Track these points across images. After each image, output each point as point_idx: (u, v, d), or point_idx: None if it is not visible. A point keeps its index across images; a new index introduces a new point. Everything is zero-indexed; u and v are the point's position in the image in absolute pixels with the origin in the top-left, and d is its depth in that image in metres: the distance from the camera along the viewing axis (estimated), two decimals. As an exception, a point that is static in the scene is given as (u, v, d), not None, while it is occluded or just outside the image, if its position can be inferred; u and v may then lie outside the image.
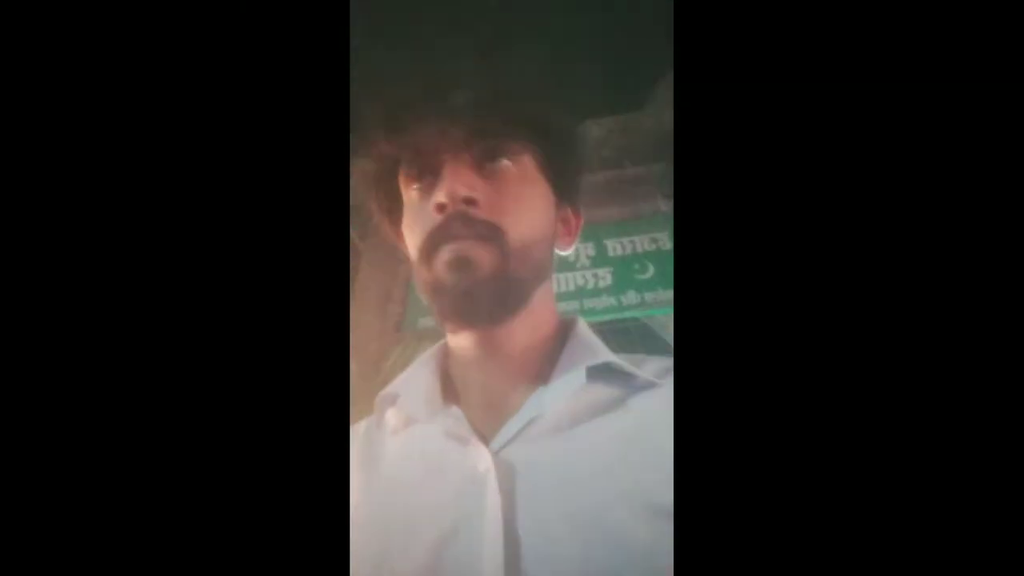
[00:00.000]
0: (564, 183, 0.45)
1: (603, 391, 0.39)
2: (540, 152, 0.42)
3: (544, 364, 0.40)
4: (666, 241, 1.59)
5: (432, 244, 0.38)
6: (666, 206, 1.60)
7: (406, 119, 0.40)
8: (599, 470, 0.33)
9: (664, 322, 1.55)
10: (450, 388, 0.42)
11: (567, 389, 0.38)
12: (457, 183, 0.37)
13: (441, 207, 0.37)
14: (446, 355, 0.44)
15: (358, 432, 0.44)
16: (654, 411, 0.36)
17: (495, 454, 0.35)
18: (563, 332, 0.43)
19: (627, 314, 1.51)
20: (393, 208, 0.44)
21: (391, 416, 0.43)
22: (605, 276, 1.59)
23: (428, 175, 0.40)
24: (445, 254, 0.37)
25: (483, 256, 0.36)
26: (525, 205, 0.40)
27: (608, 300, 1.54)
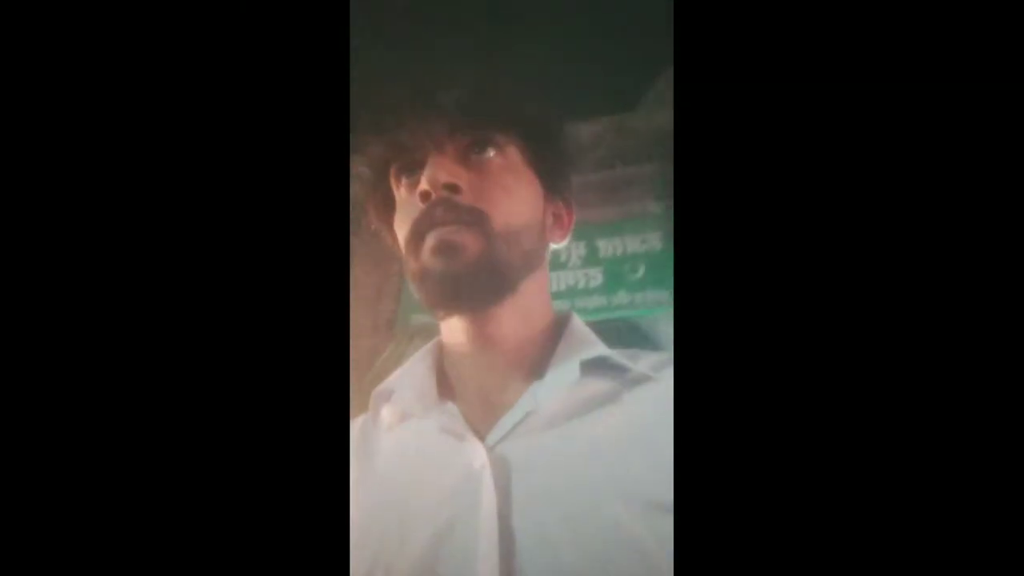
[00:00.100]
0: (552, 177, 0.45)
1: (598, 385, 0.39)
2: (525, 145, 0.43)
3: (539, 359, 0.40)
4: (657, 242, 1.60)
5: (417, 232, 0.38)
6: (657, 207, 1.61)
7: (394, 120, 0.41)
8: (594, 465, 0.34)
9: (654, 322, 1.56)
10: (445, 384, 0.42)
11: (561, 383, 0.39)
12: (439, 170, 0.38)
13: (425, 195, 0.38)
14: (441, 351, 0.45)
15: (353, 428, 0.45)
16: (649, 405, 0.37)
17: (490, 450, 0.35)
18: (558, 327, 0.44)
19: (618, 314, 1.52)
20: (387, 208, 0.45)
21: (386, 412, 0.44)
22: (596, 276, 1.60)
23: (415, 170, 0.40)
24: (430, 240, 0.38)
25: (468, 240, 0.37)
26: (510, 193, 0.40)
27: (599, 300, 1.55)
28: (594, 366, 0.40)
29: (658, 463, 0.31)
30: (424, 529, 0.33)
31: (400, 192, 0.42)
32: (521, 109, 0.43)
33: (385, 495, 0.37)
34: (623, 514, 0.31)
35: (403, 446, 0.41)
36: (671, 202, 1.62)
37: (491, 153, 0.41)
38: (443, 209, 0.38)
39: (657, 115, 1.49)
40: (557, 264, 1.61)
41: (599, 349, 0.41)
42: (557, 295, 1.56)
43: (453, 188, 0.38)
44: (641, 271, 1.57)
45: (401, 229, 0.41)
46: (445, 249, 0.37)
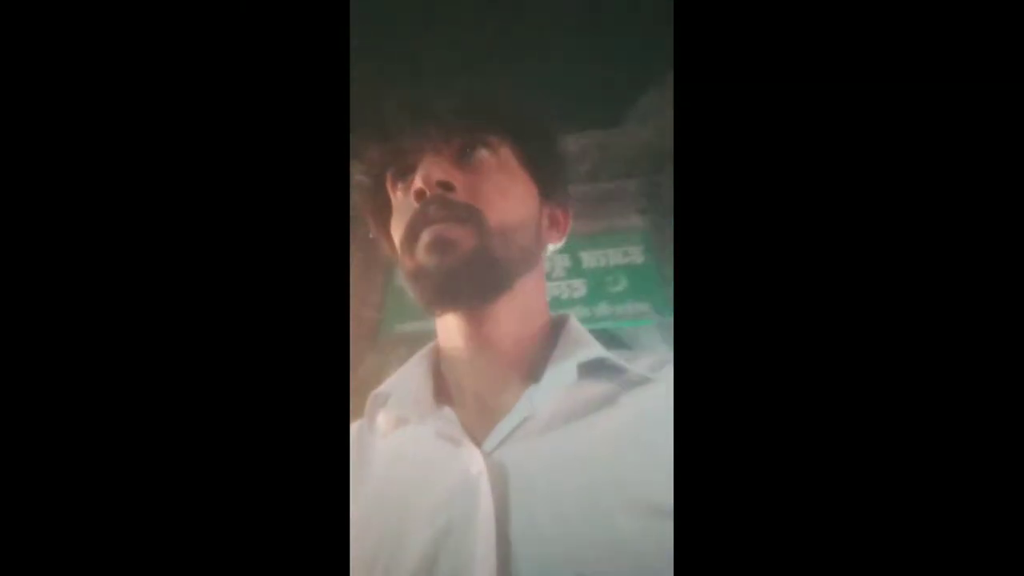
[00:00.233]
0: (547, 179, 0.45)
1: (596, 387, 0.38)
2: (519, 147, 0.43)
3: (536, 361, 0.40)
4: (639, 255, 1.63)
5: (412, 230, 0.39)
6: (640, 221, 1.64)
7: (390, 126, 0.41)
8: (592, 469, 0.33)
9: (635, 333, 1.59)
10: (442, 388, 0.42)
11: (558, 386, 0.38)
12: (433, 169, 0.38)
13: (420, 193, 0.38)
14: (437, 355, 0.44)
15: (351, 432, 0.44)
16: (648, 406, 0.36)
17: (487, 456, 0.35)
18: (555, 328, 0.43)
19: (599, 325, 1.54)
20: (385, 214, 0.45)
21: (383, 418, 0.43)
22: (579, 287, 1.62)
23: (411, 173, 0.40)
24: (424, 237, 0.38)
25: (462, 236, 0.37)
26: (504, 192, 0.40)
27: (582, 310, 1.57)
28: (592, 368, 0.39)
29: (657, 465, 0.31)
30: (421, 535, 0.33)
31: (396, 195, 0.43)
32: (515, 112, 0.43)
33: (382, 501, 0.37)
34: (622, 518, 0.30)
35: (400, 451, 0.40)
36: (654, 216, 1.65)
37: (485, 154, 0.41)
38: (437, 206, 0.38)
39: (642, 131, 1.53)
40: (541, 275, 1.62)
41: (597, 351, 0.40)
42: (541, 306, 1.57)
43: (447, 186, 0.38)
44: (623, 284, 1.60)
45: (397, 230, 0.41)
46: (439, 245, 0.37)
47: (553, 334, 0.43)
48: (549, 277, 1.65)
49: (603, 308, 1.57)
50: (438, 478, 0.35)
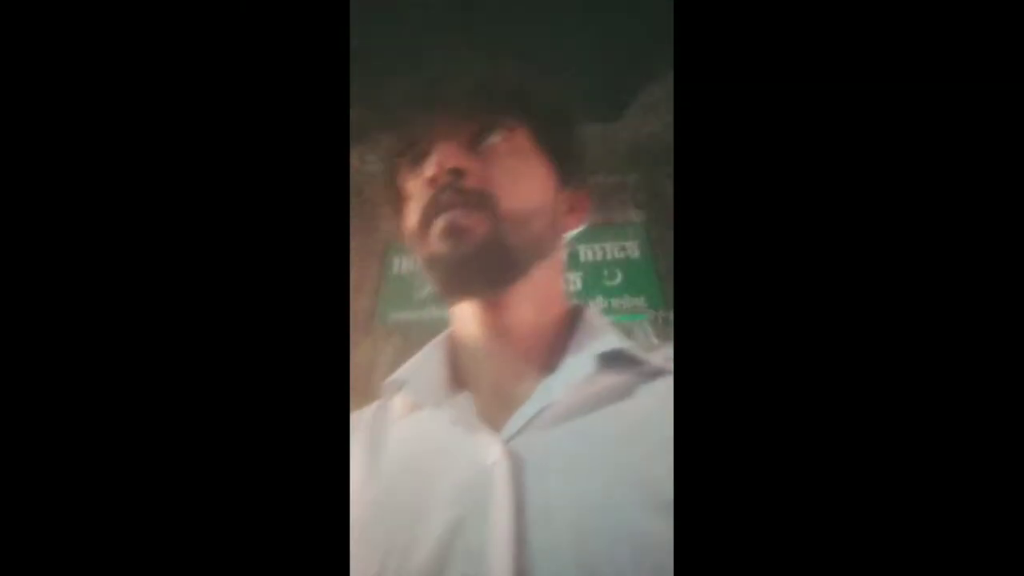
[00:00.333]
0: (565, 163, 0.44)
1: (613, 378, 0.38)
2: (534, 130, 0.42)
3: (553, 350, 0.40)
4: (635, 249, 1.64)
5: (426, 218, 0.39)
6: (637, 216, 1.64)
7: (402, 115, 0.41)
8: (608, 461, 0.33)
9: (629, 327, 1.60)
10: (458, 376, 0.42)
11: (577, 376, 0.38)
12: (445, 156, 0.38)
13: (432, 181, 0.38)
14: (453, 342, 0.44)
15: (364, 418, 0.44)
16: (666, 399, 0.35)
17: (504, 444, 0.35)
18: (573, 318, 0.43)
19: (594, 319, 1.54)
20: (401, 203, 0.45)
21: (398, 402, 0.43)
22: (575, 281, 1.62)
23: (424, 161, 0.40)
24: (438, 225, 0.38)
25: (475, 223, 0.37)
26: (517, 177, 0.40)
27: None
28: (610, 359, 0.38)
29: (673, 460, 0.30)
30: (436, 521, 0.33)
31: (410, 184, 0.42)
32: (530, 94, 0.43)
33: (396, 486, 0.37)
34: (637, 512, 0.30)
35: (415, 436, 0.40)
36: (652, 211, 1.65)
37: (498, 138, 0.40)
38: (449, 194, 0.38)
39: (642, 126, 1.52)
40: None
41: (616, 341, 0.39)
42: (536, 298, 1.58)
43: (458, 172, 0.38)
44: (618, 278, 1.60)
45: (411, 219, 0.41)
46: (451, 232, 0.37)
47: (571, 321, 0.42)
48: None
49: (599, 302, 1.57)
50: (454, 465, 0.35)
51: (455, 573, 0.30)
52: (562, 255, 0.45)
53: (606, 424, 0.35)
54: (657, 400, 0.36)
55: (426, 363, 0.43)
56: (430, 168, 0.38)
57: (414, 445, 0.39)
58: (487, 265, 0.37)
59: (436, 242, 0.38)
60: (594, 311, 0.44)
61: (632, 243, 1.64)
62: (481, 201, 0.38)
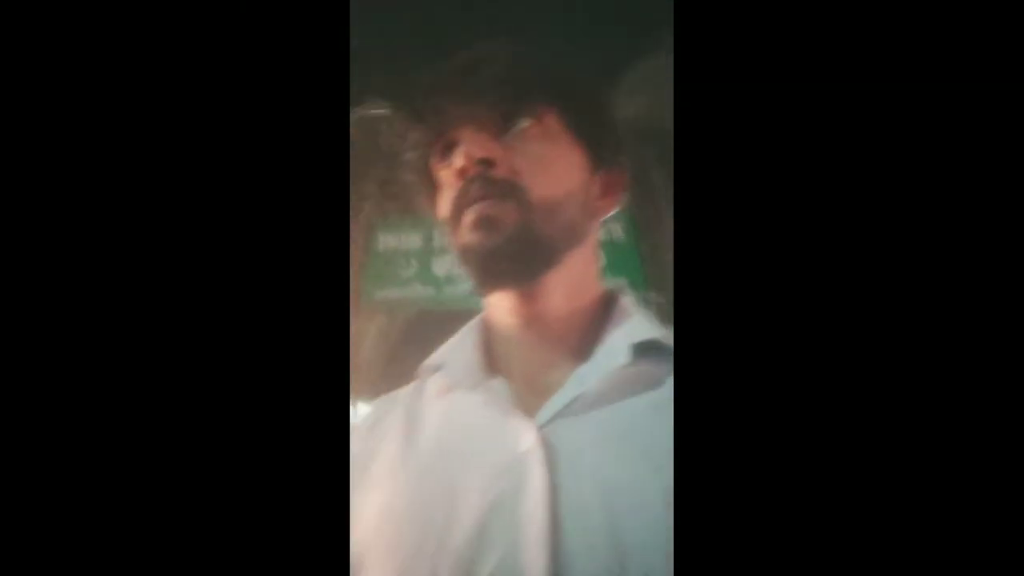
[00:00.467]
0: (597, 146, 0.43)
1: (646, 367, 0.38)
2: (565, 112, 0.41)
3: (587, 337, 0.40)
4: (620, 232, 1.65)
5: (457, 210, 0.39)
6: (624, 198, 1.65)
7: (430, 105, 0.41)
8: (639, 450, 0.34)
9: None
10: (492, 362, 0.42)
11: (611, 365, 0.38)
12: (473, 146, 0.38)
13: (462, 171, 0.38)
14: (487, 328, 0.44)
15: (401, 398, 0.45)
16: None
17: (538, 431, 0.35)
18: (607, 304, 0.43)
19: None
20: (433, 192, 0.45)
21: (432, 385, 0.44)
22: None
23: (453, 151, 0.40)
24: (469, 216, 0.38)
25: (505, 214, 0.37)
26: (547, 163, 0.40)
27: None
28: (643, 348, 0.38)
29: None
30: (473, 503, 0.34)
31: (441, 175, 0.42)
32: (557, 74, 0.42)
33: (434, 464, 0.38)
34: (670, 500, 0.30)
35: (450, 419, 0.41)
36: (637, 193, 1.66)
37: (526, 124, 0.39)
38: (478, 185, 0.38)
39: (630, 108, 1.52)
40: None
41: (650, 331, 0.39)
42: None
43: (487, 163, 0.38)
44: (602, 260, 1.61)
45: (444, 209, 0.41)
46: (482, 224, 0.37)
47: (605, 309, 0.42)
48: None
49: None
50: (489, 449, 0.36)
51: (492, 557, 0.32)
52: (597, 239, 0.45)
53: (637, 413, 0.36)
54: None
55: (461, 347, 0.44)
56: (459, 159, 0.38)
57: (450, 426, 0.40)
58: (519, 256, 0.38)
59: (467, 234, 0.38)
60: (629, 297, 0.44)
61: (617, 225, 1.65)
62: (511, 191, 0.38)
